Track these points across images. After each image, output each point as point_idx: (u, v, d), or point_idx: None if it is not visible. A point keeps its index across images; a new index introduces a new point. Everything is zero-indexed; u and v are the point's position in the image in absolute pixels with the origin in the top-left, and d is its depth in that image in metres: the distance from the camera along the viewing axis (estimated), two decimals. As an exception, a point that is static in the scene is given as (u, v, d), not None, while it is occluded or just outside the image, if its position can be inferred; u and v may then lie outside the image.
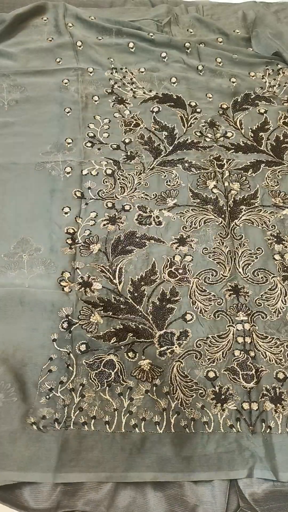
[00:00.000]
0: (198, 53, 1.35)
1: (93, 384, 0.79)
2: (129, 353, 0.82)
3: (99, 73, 1.28)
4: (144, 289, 0.88)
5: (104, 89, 1.24)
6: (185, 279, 0.90)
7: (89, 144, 1.12)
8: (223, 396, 0.80)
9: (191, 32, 1.42)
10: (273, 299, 0.89)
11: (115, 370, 0.80)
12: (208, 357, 0.83)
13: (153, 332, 0.85)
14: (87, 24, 1.38)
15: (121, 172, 1.06)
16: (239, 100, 1.25)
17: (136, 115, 1.19)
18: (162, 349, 0.83)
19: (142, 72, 1.30)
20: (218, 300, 0.88)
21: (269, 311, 0.87)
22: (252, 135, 1.17)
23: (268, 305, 0.88)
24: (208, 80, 1.29)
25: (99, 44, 1.34)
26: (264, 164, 1.10)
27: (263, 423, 0.77)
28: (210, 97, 1.25)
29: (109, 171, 1.06)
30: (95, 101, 1.22)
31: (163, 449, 0.74)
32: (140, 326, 0.85)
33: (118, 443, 0.74)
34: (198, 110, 1.21)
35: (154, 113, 1.20)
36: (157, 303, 0.86)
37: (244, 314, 0.87)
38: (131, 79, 1.28)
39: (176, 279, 0.90)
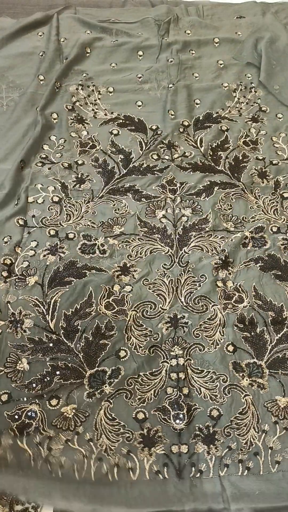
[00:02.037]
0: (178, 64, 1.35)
1: (10, 434, 0.75)
2: (51, 401, 0.78)
3: (66, 88, 1.27)
4: (78, 324, 0.85)
5: (65, 105, 1.23)
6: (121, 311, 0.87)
7: (39, 164, 1.10)
8: (151, 440, 0.76)
9: (188, 34, 1.42)
10: (211, 329, 0.86)
11: (36, 419, 0.77)
12: (139, 396, 0.79)
13: (83, 372, 0.81)
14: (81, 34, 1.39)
15: (68, 199, 1.04)
16: (200, 118, 1.22)
17: (94, 136, 1.17)
18: (91, 390, 0.79)
19: (110, 92, 1.29)
20: (154, 336, 0.85)
21: (206, 343, 0.84)
22: (211, 153, 1.14)
23: (206, 336, 0.85)
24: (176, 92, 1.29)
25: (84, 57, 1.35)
26: (217, 187, 1.06)
27: (193, 467, 0.73)
28: (172, 115, 1.23)
29: (56, 199, 1.04)
30: (54, 119, 1.20)
31: (80, 497, 0.71)
32: (70, 365, 0.81)
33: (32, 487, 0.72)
34: (159, 132, 1.19)
35: (112, 135, 1.18)
36: (90, 339, 0.84)
37: (180, 348, 0.84)
38: (95, 100, 1.26)
39: (113, 311, 0.87)
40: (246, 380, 0.81)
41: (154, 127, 1.20)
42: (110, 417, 0.78)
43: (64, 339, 0.84)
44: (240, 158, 1.13)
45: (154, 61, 1.37)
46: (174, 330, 0.86)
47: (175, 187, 1.07)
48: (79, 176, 1.08)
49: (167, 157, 1.13)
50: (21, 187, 1.04)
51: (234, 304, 0.88)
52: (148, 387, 0.81)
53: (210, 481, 0.73)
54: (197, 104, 1.27)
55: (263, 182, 1.08)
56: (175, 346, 0.84)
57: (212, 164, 1.12)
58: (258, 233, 0.99)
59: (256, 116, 1.25)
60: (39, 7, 1.44)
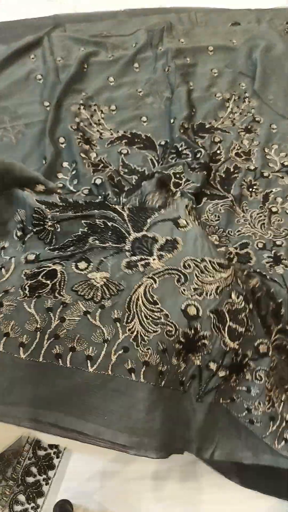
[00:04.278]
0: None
1: (19, 293, 0.61)
2: (79, 263, 0.63)
3: (68, 107, 1.26)
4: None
5: (69, 125, 1.21)
6: None
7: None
8: (193, 345, 0.63)
9: (182, 42, 1.42)
10: None
11: (54, 281, 0.62)
12: (195, 286, 0.64)
13: (126, 234, 0.67)
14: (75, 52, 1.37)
15: None
16: (195, 128, 1.23)
17: (103, 158, 1.16)
18: (133, 258, 0.64)
19: (112, 111, 1.27)
20: None
21: None
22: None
23: None
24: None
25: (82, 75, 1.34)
26: (206, 198, 1.07)
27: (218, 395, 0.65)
28: (172, 122, 1.23)
29: None
30: (61, 143, 1.19)
31: (90, 397, 0.57)
32: (110, 224, 0.67)
33: (29, 376, 0.58)
34: (168, 146, 1.18)
35: (122, 155, 1.17)
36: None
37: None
38: (98, 120, 1.25)
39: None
40: None
41: (162, 143, 1.19)
42: (150, 300, 0.62)
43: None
44: (232, 170, 1.15)
45: (151, 71, 1.38)
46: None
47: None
48: (102, 198, 1.06)
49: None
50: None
51: None
52: (213, 278, 0.65)
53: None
54: (192, 113, 1.28)
55: (251, 196, 1.09)
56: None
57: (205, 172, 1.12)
58: (243, 249, 0.98)
59: (249, 127, 1.26)
60: (28, 28, 1.42)
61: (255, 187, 1.11)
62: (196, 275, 0.63)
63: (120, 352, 0.59)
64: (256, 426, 0.68)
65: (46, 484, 0.88)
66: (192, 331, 0.62)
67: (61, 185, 1.10)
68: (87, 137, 1.21)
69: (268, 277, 0.91)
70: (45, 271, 0.62)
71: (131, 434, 0.58)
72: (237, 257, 0.95)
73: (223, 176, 1.13)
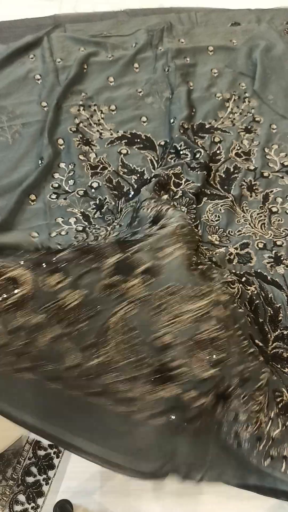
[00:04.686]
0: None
1: None
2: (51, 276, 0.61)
3: (67, 109, 1.26)
4: None
5: (69, 128, 1.21)
6: None
7: (53, 196, 1.09)
8: (169, 373, 0.63)
9: (182, 42, 1.42)
10: None
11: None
12: (172, 314, 0.65)
13: (108, 254, 0.66)
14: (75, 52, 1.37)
15: (93, 226, 1.04)
16: (195, 128, 1.23)
17: (103, 158, 1.16)
18: (114, 278, 0.63)
19: (112, 111, 1.27)
20: None
21: None
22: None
23: None
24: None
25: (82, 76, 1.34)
26: (206, 198, 1.07)
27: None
28: (172, 122, 1.23)
29: (80, 228, 1.03)
30: (61, 145, 1.19)
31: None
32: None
33: None
34: (168, 147, 1.18)
35: (122, 155, 1.17)
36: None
37: None
38: (98, 120, 1.25)
39: None
40: None
41: (162, 143, 1.19)
42: (127, 326, 0.62)
43: None
44: (232, 170, 1.15)
45: (151, 71, 1.38)
46: None
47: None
48: (97, 202, 1.07)
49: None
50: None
51: None
52: (190, 306, 0.66)
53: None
54: (192, 113, 1.28)
55: (251, 196, 1.09)
56: None
57: (205, 172, 1.12)
58: (244, 249, 0.99)
59: (249, 127, 1.25)
60: (28, 28, 1.42)
61: (255, 187, 1.11)
62: (173, 303, 0.65)
63: (92, 376, 0.60)
64: (244, 448, 0.69)
65: (46, 484, 0.88)
66: (167, 359, 0.63)
67: (56, 185, 1.11)
68: (86, 138, 1.21)
69: (269, 277, 0.90)
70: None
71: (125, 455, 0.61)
72: (237, 258, 0.96)
73: (223, 176, 1.14)
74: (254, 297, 0.87)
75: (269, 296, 0.90)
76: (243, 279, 0.90)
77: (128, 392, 0.62)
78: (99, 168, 1.14)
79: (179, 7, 1.48)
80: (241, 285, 0.87)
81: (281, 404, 0.72)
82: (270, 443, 0.69)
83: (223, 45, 1.41)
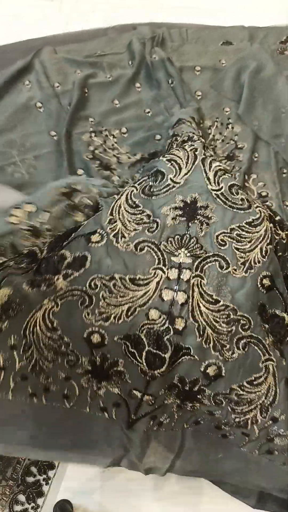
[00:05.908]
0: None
1: None
2: None
3: (79, 137, 1.22)
4: None
5: (84, 155, 1.17)
6: None
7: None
8: (105, 373, 0.59)
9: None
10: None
11: None
12: (101, 309, 0.60)
13: (39, 254, 0.62)
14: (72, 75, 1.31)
15: None
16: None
17: (127, 178, 1.14)
18: (38, 277, 0.58)
19: (124, 133, 1.24)
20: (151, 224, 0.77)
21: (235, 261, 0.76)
22: None
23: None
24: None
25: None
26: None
27: (152, 420, 0.63)
28: (158, 139, 1.22)
29: None
30: (80, 175, 1.15)
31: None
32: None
33: None
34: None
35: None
36: None
37: (188, 254, 0.66)
38: (112, 145, 1.22)
39: None
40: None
41: None
42: (49, 326, 0.56)
43: None
44: None
45: (155, 86, 1.32)
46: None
47: None
48: None
49: None
50: None
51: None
52: (122, 299, 0.58)
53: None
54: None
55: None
56: (181, 249, 0.66)
57: None
58: None
59: (231, 155, 1.22)
60: (19, 51, 1.35)
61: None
62: (103, 296, 0.57)
63: (18, 379, 0.56)
64: (230, 439, 0.67)
65: (46, 484, 0.87)
66: (99, 359, 0.57)
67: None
68: (105, 163, 1.17)
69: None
70: None
71: None
72: None
73: None
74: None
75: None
76: None
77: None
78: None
79: (171, 22, 1.45)
80: None
81: None
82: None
83: (211, 66, 1.36)
